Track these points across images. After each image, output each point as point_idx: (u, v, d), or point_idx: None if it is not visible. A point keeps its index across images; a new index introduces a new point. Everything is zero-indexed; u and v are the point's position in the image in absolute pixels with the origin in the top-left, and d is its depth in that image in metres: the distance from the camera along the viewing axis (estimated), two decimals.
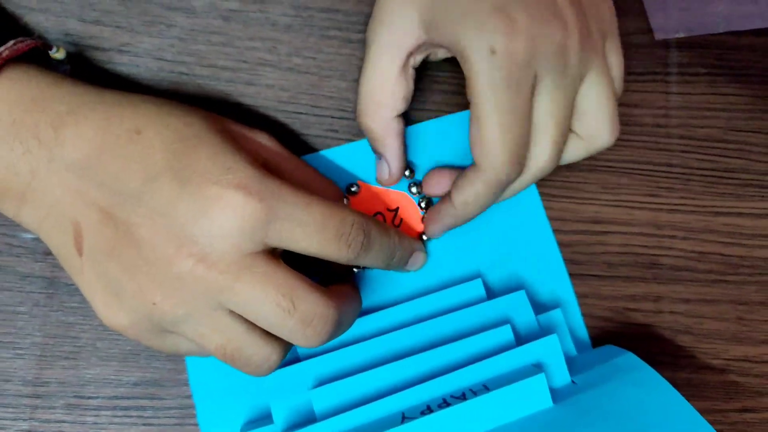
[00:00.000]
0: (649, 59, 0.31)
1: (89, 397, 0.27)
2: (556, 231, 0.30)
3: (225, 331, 0.22)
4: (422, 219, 0.29)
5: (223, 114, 0.29)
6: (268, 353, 0.23)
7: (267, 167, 0.23)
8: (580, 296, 0.30)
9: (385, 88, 0.26)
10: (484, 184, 0.24)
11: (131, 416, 0.27)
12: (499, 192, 0.25)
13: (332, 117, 0.29)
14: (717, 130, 0.31)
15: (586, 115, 0.25)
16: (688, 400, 0.30)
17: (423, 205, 0.29)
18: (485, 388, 0.25)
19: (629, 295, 0.30)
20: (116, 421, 0.27)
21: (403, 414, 0.25)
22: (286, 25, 0.29)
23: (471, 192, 0.25)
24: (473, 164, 0.25)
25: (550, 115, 0.24)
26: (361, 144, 0.29)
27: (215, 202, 0.21)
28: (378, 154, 0.28)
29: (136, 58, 0.28)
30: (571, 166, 0.30)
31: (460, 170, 0.26)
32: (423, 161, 0.30)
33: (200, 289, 0.21)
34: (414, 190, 0.29)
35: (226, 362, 0.23)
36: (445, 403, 0.25)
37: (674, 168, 0.31)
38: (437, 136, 0.30)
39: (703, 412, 0.29)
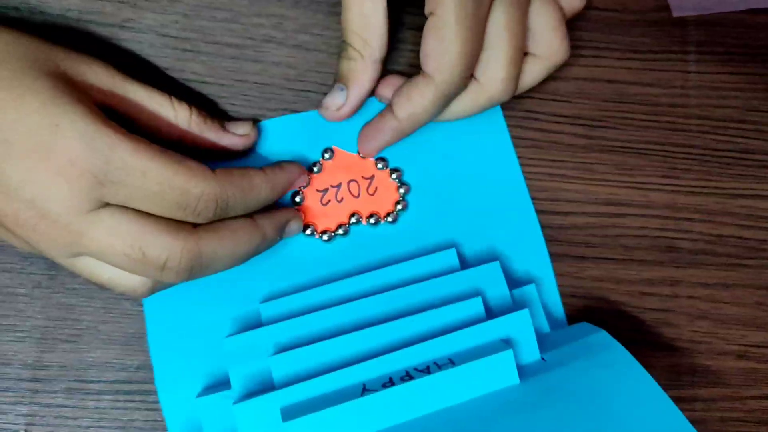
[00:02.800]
0: (666, 38, 0.30)
1: (91, 381, 0.27)
2: (570, 213, 0.29)
3: (90, 270, 0.23)
4: (397, 188, 0.28)
5: (229, 93, 0.28)
6: (135, 286, 0.23)
7: (105, 107, 0.23)
8: (595, 280, 0.29)
9: (373, 27, 0.25)
10: (435, 95, 0.25)
11: (134, 401, 0.27)
12: (444, 106, 0.26)
13: None
14: (735, 110, 0.30)
15: (538, 33, 0.26)
16: (705, 387, 0.29)
17: (394, 177, 0.28)
18: (450, 362, 0.25)
19: (645, 279, 0.29)
20: (119, 406, 0.27)
21: (364, 385, 0.25)
22: (293, 1, 0.28)
23: (420, 104, 0.25)
24: (422, 76, 0.25)
25: (504, 29, 0.24)
26: None
27: (42, 166, 0.20)
28: (341, 86, 0.26)
29: (140, 34, 0.28)
30: (586, 147, 0.30)
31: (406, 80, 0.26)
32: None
33: (51, 242, 0.21)
34: (380, 165, 0.28)
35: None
36: (408, 376, 0.24)
37: (692, 149, 0.30)
38: None
39: (721, 399, 0.29)
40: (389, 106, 0.26)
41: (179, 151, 0.23)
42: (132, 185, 0.21)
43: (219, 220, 0.24)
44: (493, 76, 0.25)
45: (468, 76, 0.25)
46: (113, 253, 0.21)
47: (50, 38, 0.27)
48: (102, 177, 0.20)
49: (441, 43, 0.24)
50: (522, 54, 0.26)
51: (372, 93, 0.27)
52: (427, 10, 0.24)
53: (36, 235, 0.21)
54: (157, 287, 0.24)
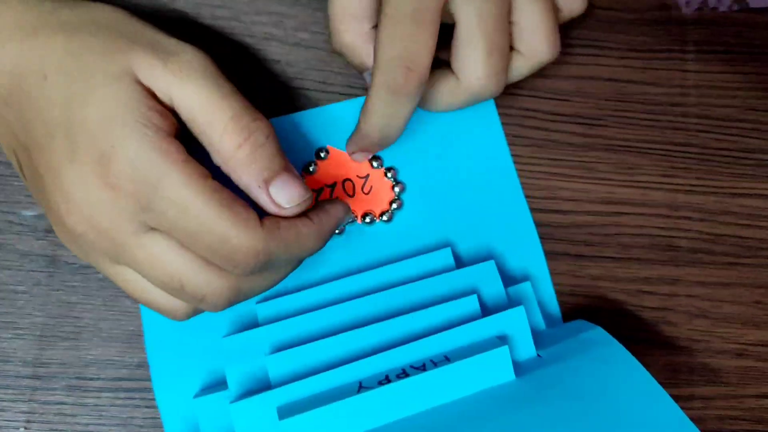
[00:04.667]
0: (665, 36, 0.30)
1: (90, 379, 0.27)
2: (570, 212, 0.29)
3: (131, 285, 0.23)
4: (392, 187, 0.28)
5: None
6: (175, 309, 0.23)
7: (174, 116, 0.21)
8: (593, 278, 0.29)
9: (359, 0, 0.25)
10: (375, 87, 0.24)
11: (134, 398, 0.27)
12: (396, 102, 0.24)
13: (340, 93, 0.29)
14: (734, 109, 0.30)
15: (523, 31, 0.25)
16: (704, 386, 0.29)
17: (389, 175, 0.28)
18: (446, 359, 0.25)
19: (644, 277, 0.30)
20: (118, 403, 0.27)
21: (360, 383, 0.25)
22: None
23: (369, 103, 0.24)
24: None
25: (476, 24, 0.24)
26: (334, 108, 0.29)
27: (97, 178, 0.20)
28: (364, 69, 0.26)
29: None
30: (586, 146, 0.30)
31: None
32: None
33: (98, 250, 0.21)
34: (375, 164, 0.28)
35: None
36: (404, 374, 0.25)
37: (691, 148, 0.30)
38: None
39: (719, 397, 0.29)
40: None
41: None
42: (172, 218, 0.20)
43: None
44: (471, 73, 0.24)
45: (406, 66, 0.23)
46: (153, 278, 0.21)
47: None
48: (146, 204, 0.20)
49: (377, 38, 0.23)
50: (504, 50, 0.25)
51: None
52: None
53: (84, 239, 0.21)
54: (196, 311, 0.24)
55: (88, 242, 0.21)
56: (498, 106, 0.29)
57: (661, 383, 0.24)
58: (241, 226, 0.21)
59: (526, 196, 0.29)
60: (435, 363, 0.25)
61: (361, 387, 0.24)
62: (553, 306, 0.29)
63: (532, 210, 0.29)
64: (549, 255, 0.29)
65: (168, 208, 0.20)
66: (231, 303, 0.23)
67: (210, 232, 0.20)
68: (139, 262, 0.21)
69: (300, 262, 0.25)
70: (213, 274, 0.22)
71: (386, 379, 0.24)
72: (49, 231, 0.27)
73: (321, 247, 0.24)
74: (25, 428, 0.26)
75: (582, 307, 0.29)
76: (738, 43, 0.31)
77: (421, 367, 0.25)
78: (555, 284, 0.29)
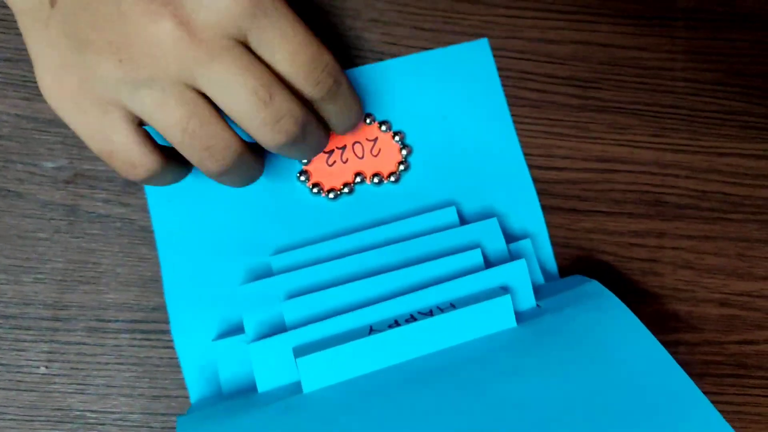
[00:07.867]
0: (655, 4, 0.32)
1: (109, 321, 0.28)
2: (565, 169, 0.31)
3: (190, 104, 0.21)
4: (399, 150, 0.30)
5: None
6: (230, 141, 0.22)
7: None
8: (586, 231, 0.31)
9: None
10: None
11: (151, 339, 0.28)
12: None
13: (346, 56, 0.30)
14: (720, 74, 0.32)
15: None
16: (689, 333, 0.31)
17: (397, 139, 0.30)
18: (452, 306, 0.26)
19: (633, 230, 0.31)
20: (135, 344, 0.28)
21: (371, 327, 0.26)
22: None
23: None
24: None
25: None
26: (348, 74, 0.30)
27: None
28: None
29: None
30: (580, 107, 0.31)
31: None
32: (388, 103, 0.30)
33: (175, 55, 0.20)
34: (383, 128, 0.30)
35: (182, 144, 0.22)
36: (412, 319, 0.26)
37: (679, 110, 0.32)
38: (403, 77, 0.30)
39: (703, 343, 0.31)
40: None
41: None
42: (281, 28, 0.21)
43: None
44: None
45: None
46: (243, 85, 0.21)
47: None
48: (261, 9, 0.20)
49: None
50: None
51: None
52: None
53: (165, 41, 0.20)
54: (158, 178, 0.23)
55: (167, 46, 0.20)
56: (499, 69, 0.31)
57: (648, 329, 0.25)
58: (326, 49, 0.23)
59: (525, 154, 0.31)
60: (441, 309, 0.26)
61: (371, 330, 0.25)
62: (551, 263, 0.30)
63: (530, 167, 0.31)
64: (545, 209, 0.31)
65: (278, 20, 0.21)
66: (295, 137, 0.23)
67: (309, 45, 0.22)
68: (228, 68, 0.20)
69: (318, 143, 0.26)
70: (294, 97, 0.22)
71: (395, 323, 0.26)
72: (69, 182, 0.28)
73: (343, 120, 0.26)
74: (46, 367, 0.27)
75: (576, 258, 0.31)
76: (724, 11, 0.32)
77: (428, 313, 0.26)
78: (551, 236, 0.31)
